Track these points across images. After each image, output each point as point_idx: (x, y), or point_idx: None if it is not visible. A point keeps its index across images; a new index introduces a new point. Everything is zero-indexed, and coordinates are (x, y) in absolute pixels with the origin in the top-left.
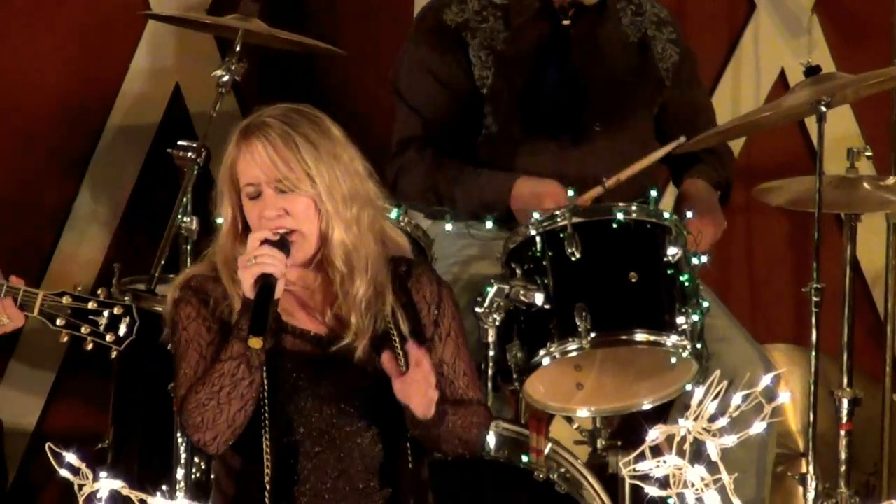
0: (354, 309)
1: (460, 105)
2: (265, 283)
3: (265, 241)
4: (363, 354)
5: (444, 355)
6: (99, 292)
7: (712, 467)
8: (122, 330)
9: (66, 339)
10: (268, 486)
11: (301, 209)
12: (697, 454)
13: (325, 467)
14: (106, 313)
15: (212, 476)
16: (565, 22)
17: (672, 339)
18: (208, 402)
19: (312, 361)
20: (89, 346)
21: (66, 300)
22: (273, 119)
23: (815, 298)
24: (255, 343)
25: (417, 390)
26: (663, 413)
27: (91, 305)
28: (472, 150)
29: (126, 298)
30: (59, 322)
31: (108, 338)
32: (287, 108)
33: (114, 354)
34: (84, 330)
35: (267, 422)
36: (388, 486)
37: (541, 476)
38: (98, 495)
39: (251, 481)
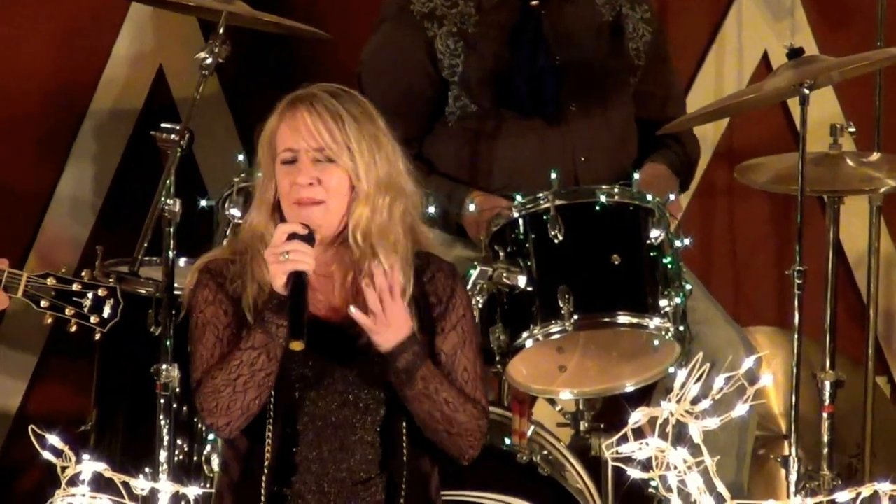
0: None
1: (420, 95)
2: (298, 281)
3: (293, 236)
4: (369, 342)
5: (444, 346)
6: (83, 274)
7: (694, 450)
8: (107, 312)
9: (49, 320)
10: (266, 472)
11: (334, 182)
12: (680, 437)
13: (326, 456)
14: (90, 295)
15: (207, 458)
16: (533, 3)
17: (655, 322)
18: (224, 389)
19: (322, 350)
20: (73, 328)
21: (50, 282)
22: (322, 92)
23: (797, 281)
24: (297, 346)
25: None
26: (646, 395)
27: (75, 287)
28: (433, 134)
29: (110, 280)
30: (43, 304)
31: (93, 319)
32: (337, 87)
33: (98, 336)
34: (68, 312)
35: (272, 409)
36: (386, 476)
37: (523, 458)
38: (81, 477)
39: (254, 466)
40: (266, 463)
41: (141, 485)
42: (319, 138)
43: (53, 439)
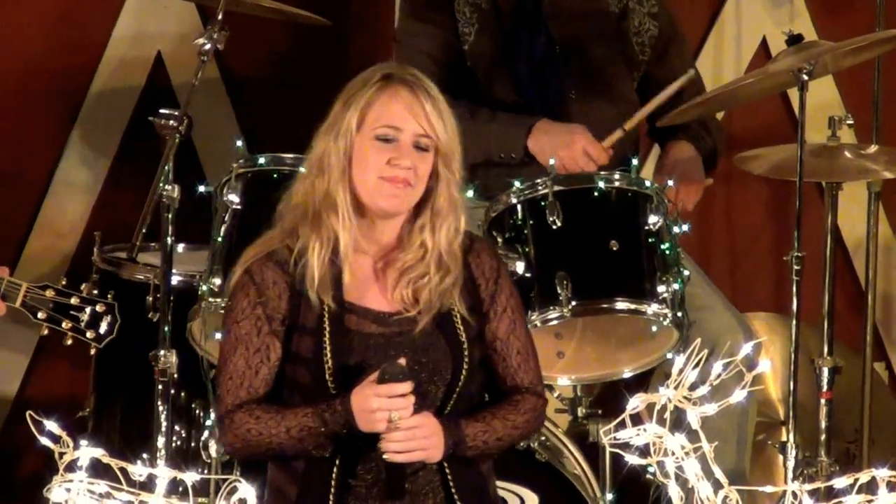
0: (428, 282)
1: (455, 56)
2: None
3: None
4: (425, 330)
5: (497, 331)
6: (83, 288)
7: (693, 436)
8: (104, 328)
9: (46, 332)
10: (335, 472)
11: (425, 171)
12: (678, 423)
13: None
14: (88, 310)
15: (205, 444)
16: None
17: (653, 308)
18: (257, 446)
19: (377, 341)
20: (69, 342)
21: (49, 293)
22: (412, 76)
23: (795, 267)
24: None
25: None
26: (644, 381)
27: (74, 301)
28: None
29: (109, 297)
30: (40, 315)
31: (89, 335)
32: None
33: (93, 352)
34: (65, 325)
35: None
36: (442, 462)
37: (521, 444)
38: (78, 463)
39: (316, 469)
40: (336, 464)
41: (139, 470)
42: (426, 126)
43: (51, 425)
